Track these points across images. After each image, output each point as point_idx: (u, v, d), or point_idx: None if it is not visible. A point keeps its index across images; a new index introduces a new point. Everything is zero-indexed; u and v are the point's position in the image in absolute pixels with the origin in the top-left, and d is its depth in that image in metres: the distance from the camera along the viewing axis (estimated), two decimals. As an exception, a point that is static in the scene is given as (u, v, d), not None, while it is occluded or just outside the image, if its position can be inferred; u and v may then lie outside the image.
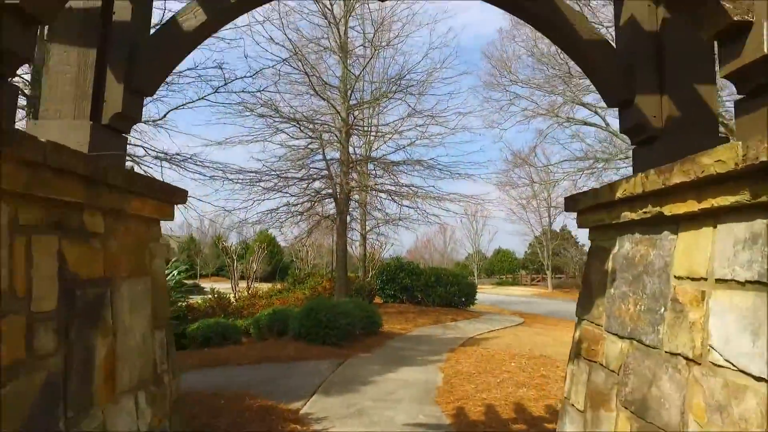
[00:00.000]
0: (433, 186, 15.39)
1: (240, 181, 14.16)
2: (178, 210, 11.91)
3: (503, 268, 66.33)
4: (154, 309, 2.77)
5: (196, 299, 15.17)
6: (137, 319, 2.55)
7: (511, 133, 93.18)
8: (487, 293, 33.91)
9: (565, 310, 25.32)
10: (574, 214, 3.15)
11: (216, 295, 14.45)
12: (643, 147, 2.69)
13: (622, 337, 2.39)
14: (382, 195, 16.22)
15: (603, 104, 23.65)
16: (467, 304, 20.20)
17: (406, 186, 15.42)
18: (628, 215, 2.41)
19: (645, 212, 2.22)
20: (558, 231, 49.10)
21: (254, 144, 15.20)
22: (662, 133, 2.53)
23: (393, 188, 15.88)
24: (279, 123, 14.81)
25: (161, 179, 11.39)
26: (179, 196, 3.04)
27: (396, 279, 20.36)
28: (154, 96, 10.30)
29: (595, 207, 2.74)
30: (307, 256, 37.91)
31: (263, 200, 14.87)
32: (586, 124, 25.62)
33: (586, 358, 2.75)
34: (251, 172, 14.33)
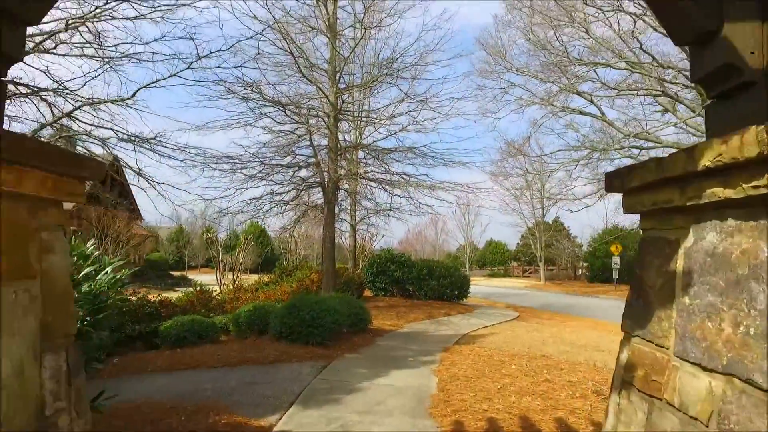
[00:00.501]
0: (426, 174, 14.60)
1: (221, 168, 13.34)
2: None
3: (495, 259, 66.17)
4: (45, 324, 1.98)
5: (180, 292, 14.28)
6: (9, 342, 1.77)
7: (504, 122, 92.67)
8: (479, 285, 33.41)
9: (558, 303, 24.81)
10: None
11: (198, 289, 13.60)
12: (730, 99, 1.92)
13: (709, 371, 1.64)
14: (373, 184, 15.42)
15: (599, 93, 22.80)
16: (460, 298, 19.54)
17: (397, 174, 14.64)
18: (718, 192, 1.65)
19: (757, 186, 1.47)
20: (550, 222, 48.75)
21: (236, 130, 14.36)
22: (764, 78, 1.77)
23: (384, 177, 15.10)
24: (263, 106, 13.93)
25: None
26: (89, 168, 2.23)
27: (387, 271, 19.63)
28: (123, 74, 9.37)
29: (658, 183, 1.98)
30: (295, 248, 37.15)
31: (246, 188, 14.05)
32: (581, 113, 25.03)
33: (643, 392, 2.00)
34: (233, 158, 13.50)
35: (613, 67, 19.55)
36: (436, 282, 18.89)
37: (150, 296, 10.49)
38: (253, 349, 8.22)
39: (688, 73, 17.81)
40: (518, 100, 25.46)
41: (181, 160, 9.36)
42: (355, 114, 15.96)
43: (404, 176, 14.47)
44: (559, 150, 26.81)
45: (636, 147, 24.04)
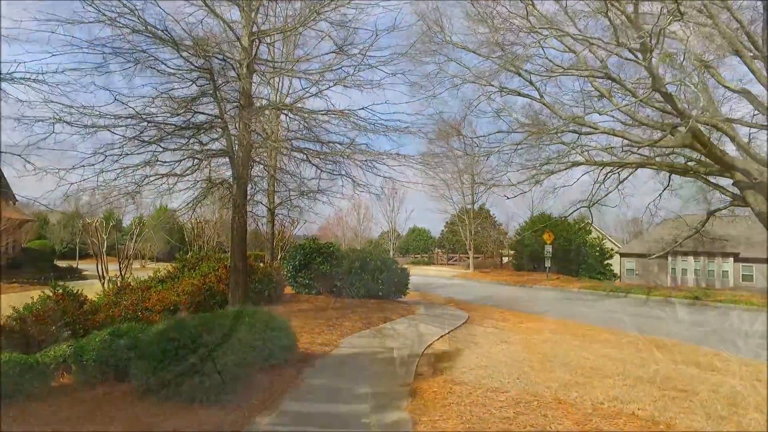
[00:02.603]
0: (366, 144, 11.40)
1: (80, 123, 9.34)
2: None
3: (418, 246, 64.87)
4: None
5: (41, 293, 9.67)
6: None
7: (436, 103, 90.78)
8: (409, 276, 30.99)
9: (498, 296, 22.94)
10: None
11: (59, 292, 9.28)
12: None
13: None
14: (298, 155, 12.02)
15: (540, 74, 20.78)
16: (398, 295, 16.79)
17: (331, 143, 11.36)
18: None
19: None
20: (477, 210, 47.75)
21: (111, 75, 10.23)
22: None
23: (311, 147, 11.77)
24: (147, 45, 9.98)
25: None
26: None
27: (312, 264, 16.38)
28: None
29: None
30: (203, 234, 32.62)
31: (122, 155, 10.05)
32: (520, 95, 23.15)
33: None
34: (101, 113, 9.52)
35: (572, 36, 17.48)
36: (370, 277, 15.96)
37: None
38: (91, 419, 4.72)
39: (638, 54, 16.24)
40: (454, 78, 23.17)
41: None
42: (275, 65, 12.40)
43: (338, 145, 11.22)
44: (498, 132, 25.01)
45: (575, 132, 22.76)
